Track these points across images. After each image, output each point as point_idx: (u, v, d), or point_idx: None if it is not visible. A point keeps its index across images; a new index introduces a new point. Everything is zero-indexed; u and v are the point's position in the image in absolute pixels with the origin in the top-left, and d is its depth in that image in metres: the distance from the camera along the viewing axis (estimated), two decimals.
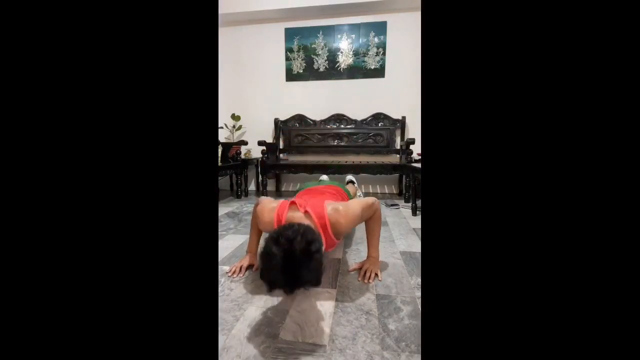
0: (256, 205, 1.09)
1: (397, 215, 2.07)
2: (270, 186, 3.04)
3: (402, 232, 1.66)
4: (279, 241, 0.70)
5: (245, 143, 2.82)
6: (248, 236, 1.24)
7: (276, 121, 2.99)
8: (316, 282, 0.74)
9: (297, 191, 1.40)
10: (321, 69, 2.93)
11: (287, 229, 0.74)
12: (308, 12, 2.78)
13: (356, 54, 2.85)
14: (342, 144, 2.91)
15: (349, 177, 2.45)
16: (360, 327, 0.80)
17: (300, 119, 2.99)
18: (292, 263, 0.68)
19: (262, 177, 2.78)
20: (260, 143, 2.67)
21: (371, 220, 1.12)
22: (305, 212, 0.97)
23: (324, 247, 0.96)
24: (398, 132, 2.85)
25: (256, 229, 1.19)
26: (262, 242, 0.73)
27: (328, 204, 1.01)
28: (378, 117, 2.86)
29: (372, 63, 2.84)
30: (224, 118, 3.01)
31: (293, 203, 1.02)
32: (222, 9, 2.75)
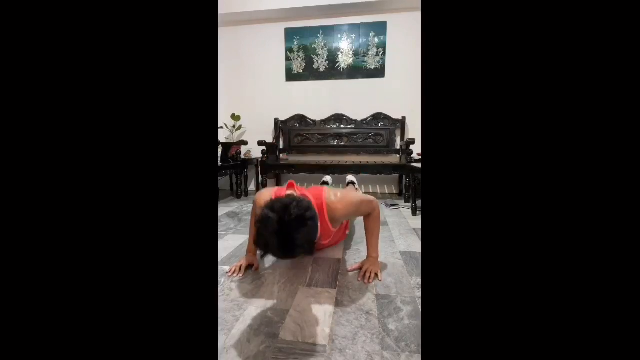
0: (254, 201, 1.11)
1: (397, 215, 2.07)
2: (270, 186, 3.04)
3: (402, 232, 1.66)
4: (275, 207, 0.72)
5: (245, 143, 2.82)
6: (248, 236, 1.24)
7: (276, 121, 2.99)
8: (309, 250, 0.76)
9: None
10: (321, 69, 2.93)
11: (284, 197, 0.77)
12: (308, 12, 2.78)
13: (356, 54, 2.85)
14: (342, 144, 2.90)
15: (349, 177, 2.45)
16: (360, 327, 0.80)
17: (300, 119, 2.99)
18: (286, 228, 0.70)
19: (262, 177, 2.78)
20: (260, 143, 2.67)
21: (370, 219, 1.12)
22: (303, 194, 1.01)
23: (318, 233, 0.97)
24: (398, 132, 2.85)
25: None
26: (259, 211, 0.76)
27: (326, 190, 1.06)
28: (378, 117, 2.86)
29: (372, 63, 2.84)
30: (224, 118, 3.01)
31: (291, 186, 1.07)
32: (222, 9, 2.75)
